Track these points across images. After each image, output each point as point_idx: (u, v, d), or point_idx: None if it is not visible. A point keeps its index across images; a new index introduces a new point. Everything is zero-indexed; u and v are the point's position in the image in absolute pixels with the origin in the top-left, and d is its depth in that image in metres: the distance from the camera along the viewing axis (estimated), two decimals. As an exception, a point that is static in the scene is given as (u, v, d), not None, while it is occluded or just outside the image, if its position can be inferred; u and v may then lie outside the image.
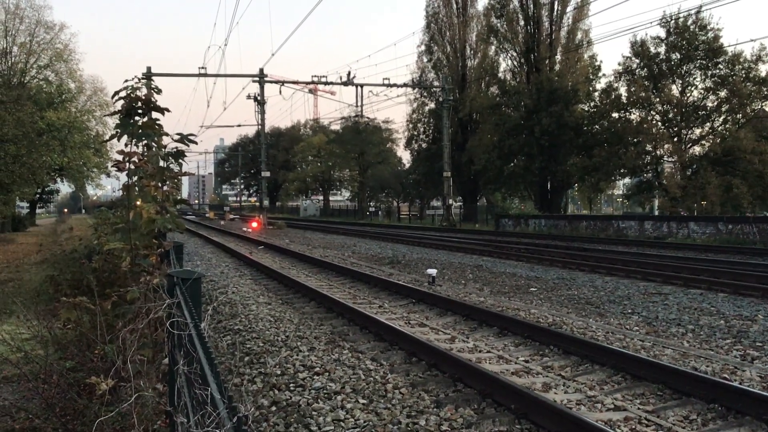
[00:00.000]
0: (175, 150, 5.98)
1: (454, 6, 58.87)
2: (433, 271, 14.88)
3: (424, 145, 63.29)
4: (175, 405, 3.11)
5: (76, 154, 51.08)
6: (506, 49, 52.32)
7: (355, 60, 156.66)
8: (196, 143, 6.22)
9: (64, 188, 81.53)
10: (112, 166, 7.16)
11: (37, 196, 59.81)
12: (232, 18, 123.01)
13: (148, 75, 40.26)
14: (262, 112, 47.66)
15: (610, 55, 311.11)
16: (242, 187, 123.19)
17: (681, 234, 28.47)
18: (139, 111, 5.69)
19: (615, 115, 42.02)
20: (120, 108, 5.67)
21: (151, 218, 5.55)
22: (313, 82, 47.01)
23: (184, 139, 5.95)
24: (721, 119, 38.92)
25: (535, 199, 50.67)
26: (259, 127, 50.17)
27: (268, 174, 52.34)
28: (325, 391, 6.37)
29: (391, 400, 6.12)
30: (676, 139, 39.50)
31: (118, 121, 5.68)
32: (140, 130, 5.64)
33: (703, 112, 38.91)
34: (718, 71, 37.65)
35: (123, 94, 5.64)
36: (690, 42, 37.79)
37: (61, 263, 13.00)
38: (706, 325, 9.59)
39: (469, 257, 21.00)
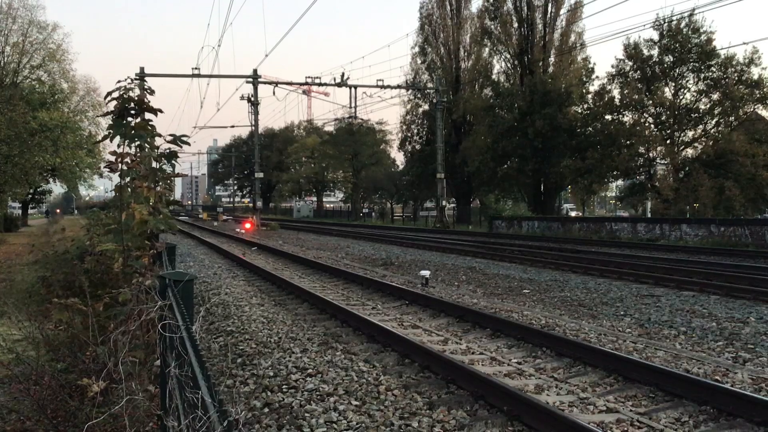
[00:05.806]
0: (167, 151, 5.97)
1: (448, 8, 58.92)
2: (426, 273, 14.87)
3: (417, 147, 63.29)
4: (166, 408, 3.10)
5: (68, 154, 50.75)
6: (500, 51, 52.42)
7: (348, 61, 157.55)
8: (189, 144, 6.21)
9: (57, 189, 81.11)
10: (104, 167, 7.14)
11: (29, 196, 59.48)
12: (225, 18, 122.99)
13: (141, 75, 40.22)
14: (256, 113, 47.62)
15: (603, 57, 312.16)
16: (235, 188, 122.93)
17: (673, 236, 28.59)
18: (132, 112, 5.69)
19: (608, 117, 42.07)
20: (113, 109, 5.67)
21: (144, 219, 5.53)
22: (306, 83, 46.98)
23: (177, 140, 5.94)
24: (713, 122, 39.04)
25: (529, 201, 50.75)
26: (253, 128, 50.13)
27: (261, 175, 52.30)
28: (317, 393, 6.36)
29: (384, 401, 6.12)
30: (668, 142, 39.62)
31: (110, 122, 5.67)
32: (133, 131, 5.63)
33: (696, 114, 39.02)
34: (710, 74, 37.79)
35: (116, 94, 5.63)
36: (683, 45, 37.92)
37: (53, 264, 12.91)
38: (699, 327, 9.62)
39: (463, 259, 21.02)
